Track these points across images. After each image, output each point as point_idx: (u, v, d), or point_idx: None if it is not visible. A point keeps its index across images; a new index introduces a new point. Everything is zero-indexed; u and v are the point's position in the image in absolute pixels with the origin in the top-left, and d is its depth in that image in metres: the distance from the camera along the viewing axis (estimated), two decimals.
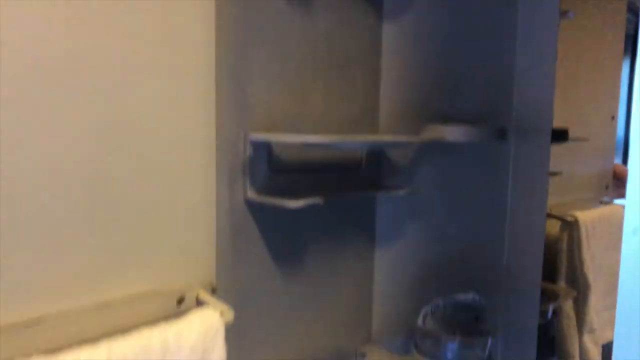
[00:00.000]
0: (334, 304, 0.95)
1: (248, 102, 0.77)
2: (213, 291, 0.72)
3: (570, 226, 1.01)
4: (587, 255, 1.02)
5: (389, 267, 1.00)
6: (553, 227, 1.02)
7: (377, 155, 0.97)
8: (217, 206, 0.75)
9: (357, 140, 0.80)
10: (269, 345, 0.85)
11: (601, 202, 1.08)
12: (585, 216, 1.01)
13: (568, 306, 1.03)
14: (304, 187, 0.82)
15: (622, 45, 1.00)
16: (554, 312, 1.02)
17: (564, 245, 1.03)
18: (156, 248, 0.68)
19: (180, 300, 0.69)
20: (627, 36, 0.99)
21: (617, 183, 1.06)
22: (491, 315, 0.95)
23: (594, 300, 1.04)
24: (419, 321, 0.92)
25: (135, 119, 0.65)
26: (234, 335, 0.70)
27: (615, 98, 1.03)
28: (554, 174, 0.94)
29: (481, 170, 0.95)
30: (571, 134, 0.97)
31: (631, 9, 0.99)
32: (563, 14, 0.89)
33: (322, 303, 0.94)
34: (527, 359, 0.98)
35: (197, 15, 0.68)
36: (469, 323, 0.93)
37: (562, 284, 1.05)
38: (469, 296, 0.91)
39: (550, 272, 1.00)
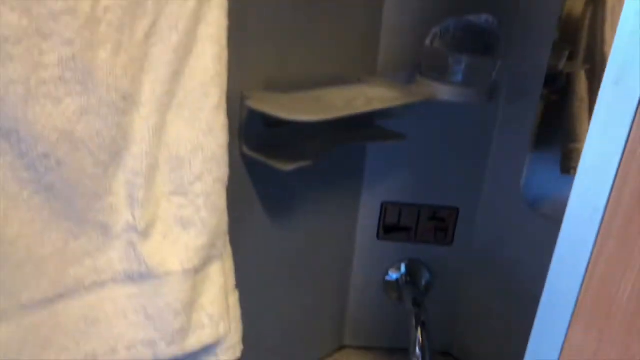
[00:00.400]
0: (341, 29, 0.93)
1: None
2: None
3: None
4: (609, 34, 0.98)
5: None
6: (577, 5, 0.97)
7: None
8: None
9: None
10: (270, 50, 0.85)
11: None
12: None
13: (581, 88, 1.01)
14: None
15: None
16: (566, 90, 1.00)
17: (586, 22, 0.98)
18: None
19: None
20: None
21: None
22: (503, 43, 0.93)
23: None
24: (427, 42, 0.90)
25: None
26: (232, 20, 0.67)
27: None
28: None
29: None
30: None
31: None
32: None
33: (328, 25, 0.91)
34: (531, 94, 0.98)
35: None
36: (478, 50, 0.91)
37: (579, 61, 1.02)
38: (482, 18, 0.88)
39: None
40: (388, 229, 1.13)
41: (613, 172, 0.42)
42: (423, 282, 1.16)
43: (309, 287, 1.10)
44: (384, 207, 1.12)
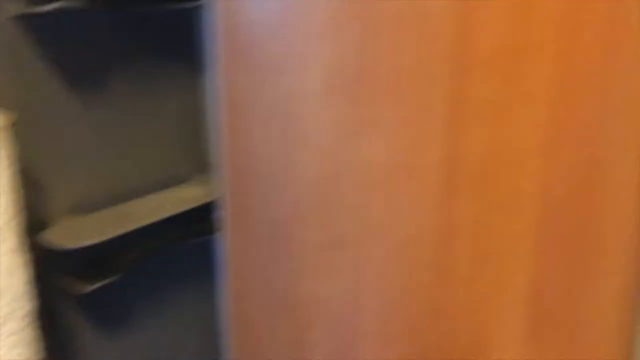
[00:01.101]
0: (162, 134, 1.01)
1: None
2: None
3: None
4: None
5: None
6: None
7: None
8: None
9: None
10: (80, 172, 0.92)
11: None
12: None
13: None
14: None
15: None
16: None
17: None
18: None
19: None
20: None
21: None
22: None
23: None
24: None
25: None
26: None
27: None
28: None
29: None
30: None
31: None
32: None
33: (146, 131, 0.99)
34: None
35: None
36: None
37: None
38: None
39: None
40: None
41: None
42: None
43: None
44: None
